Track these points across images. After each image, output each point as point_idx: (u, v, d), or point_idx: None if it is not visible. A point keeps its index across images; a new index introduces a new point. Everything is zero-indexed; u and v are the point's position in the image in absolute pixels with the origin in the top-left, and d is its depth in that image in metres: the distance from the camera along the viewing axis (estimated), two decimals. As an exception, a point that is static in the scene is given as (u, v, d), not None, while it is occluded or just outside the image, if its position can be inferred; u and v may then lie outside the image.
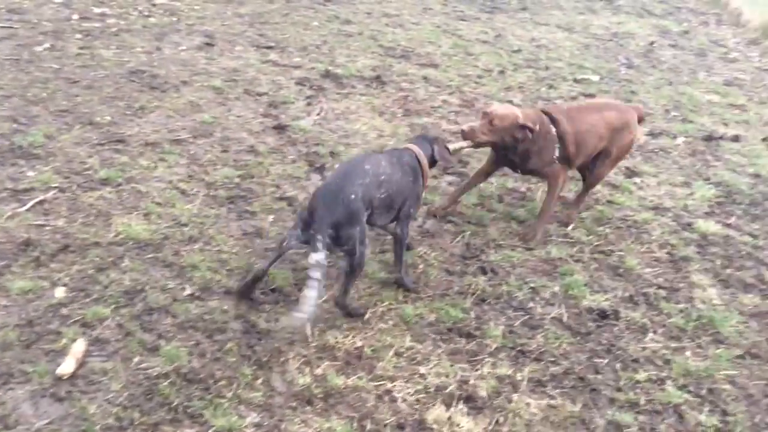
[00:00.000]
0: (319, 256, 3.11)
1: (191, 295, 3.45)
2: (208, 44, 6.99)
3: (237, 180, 4.56)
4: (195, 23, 7.61)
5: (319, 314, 3.26)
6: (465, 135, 4.11)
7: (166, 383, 2.90)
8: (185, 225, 3.98)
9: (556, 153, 4.23)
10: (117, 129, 4.97)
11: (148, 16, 7.59)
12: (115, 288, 3.42)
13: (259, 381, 2.99)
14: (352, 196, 3.27)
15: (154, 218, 4.01)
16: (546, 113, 4.29)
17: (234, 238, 3.96)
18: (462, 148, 4.17)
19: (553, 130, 4.21)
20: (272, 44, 7.33)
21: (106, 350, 3.06)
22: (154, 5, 8.00)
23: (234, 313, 3.36)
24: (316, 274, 3.07)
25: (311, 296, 3.02)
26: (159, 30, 7.19)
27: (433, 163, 3.86)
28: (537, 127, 4.10)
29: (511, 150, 4.19)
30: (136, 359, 3.02)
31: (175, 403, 2.81)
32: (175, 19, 7.66)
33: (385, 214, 3.58)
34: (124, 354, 3.05)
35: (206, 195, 4.34)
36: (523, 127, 4.06)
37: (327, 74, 6.68)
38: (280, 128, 5.39)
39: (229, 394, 2.88)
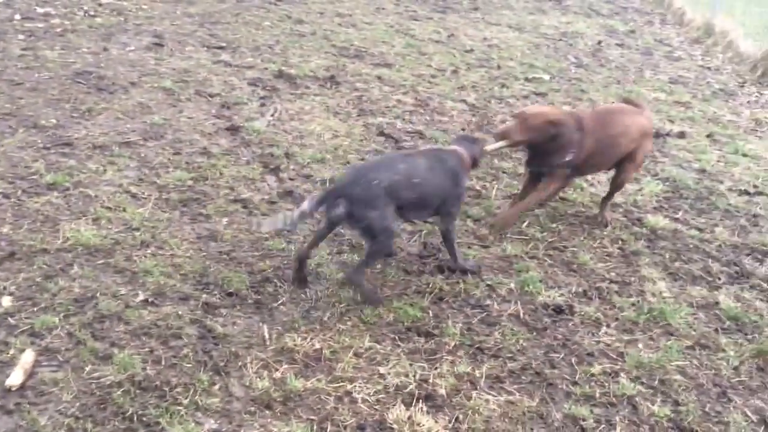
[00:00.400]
0: (305, 205, 3.41)
1: (144, 300, 3.37)
2: (157, 44, 6.86)
3: (190, 182, 4.48)
4: (143, 23, 7.46)
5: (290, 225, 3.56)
6: (500, 135, 4.32)
7: (119, 392, 2.82)
8: (137, 229, 3.89)
9: (568, 158, 4.33)
10: (63, 132, 4.83)
11: (94, 16, 7.41)
12: (64, 296, 3.32)
13: (217, 387, 2.94)
14: (375, 182, 3.43)
15: (104, 223, 3.91)
16: (575, 117, 4.44)
17: (188, 241, 3.89)
18: (500, 148, 4.37)
19: (575, 135, 4.33)
20: (224, 44, 7.24)
21: (57, 360, 2.97)
22: (100, 5, 7.81)
23: (189, 318, 3.29)
24: (294, 213, 3.44)
25: (278, 218, 3.65)
26: (106, 30, 7.03)
27: (474, 164, 4.02)
28: (564, 125, 4.27)
29: (542, 149, 4.34)
30: (87, 368, 2.93)
31: (129, 412, 2.74)
32: (122, 18, 7.49)
33: (419, 212, 3.79)
34: (75, 363, 2.95)
35: (158, 198, 4.25)
36: (553, 123, 4.24)
37: (280, 74, 6.63)
38: (233, 129, 5.32)
39: (186, 401, 2.82)
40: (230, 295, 3.51)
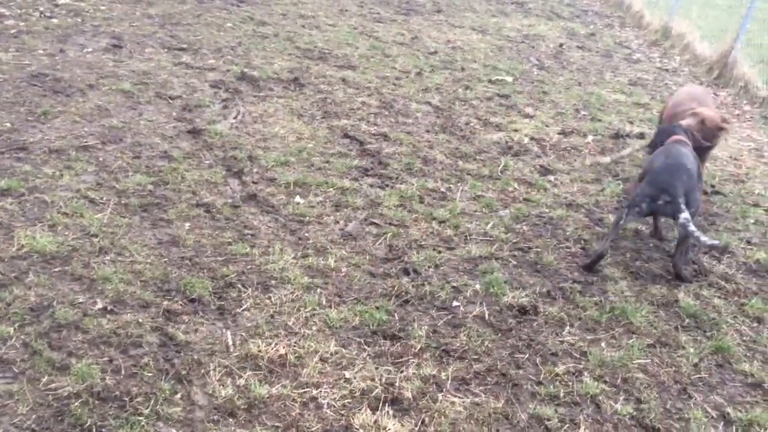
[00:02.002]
0: (685, 215, 3.97)
1: (103, 309, 3.29)
2: (115, 46, 6.72)
3: (150, 187, 4.39)
4: (101, 24, 7.30)
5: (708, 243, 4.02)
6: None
7: (77, 403, 2.75)
8: (95, 236, 3.80)
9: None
10: (18, 136, 4.69)
11: (51, 17, 7.23)
12: (19, 305, 3.21)
13: (179, 395, 2.88)
14: (690, 167, 4.12)
15: (61, 229, 3.81)
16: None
17: (148, 247, 3.81)
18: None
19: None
20: (185, 46, 7.14)
21: (11, 371, 2.87)
22: (56, 6, 7.63)
23: (150, 326, 3.22)
24: (691, 226, 3.94)
25: (702, 238, 3.96)
26: (62, 31, 6.86)
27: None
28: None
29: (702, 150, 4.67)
30: (44, 379, 2.84)
31: (88, 424, 2.67)
32: (79, 20, 7.33)
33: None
34: (30, 375, 2.86)
35: (117, 203, 4.15)
36: (722, 128, 4.67)
37: (243, 77, 6.56)
38: (195, 132, 5.24)
39: (147, 411, 2.76)
40: (192, 301, 3.45)
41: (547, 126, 6.63)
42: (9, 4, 7.37)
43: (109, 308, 3.30)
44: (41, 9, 7.43)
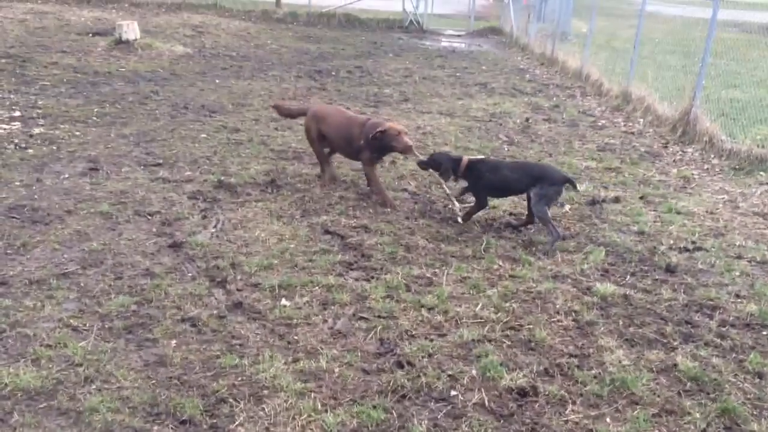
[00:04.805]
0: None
1: (92, 442, 3.18)
2: (92, 169, 6.81)
3: (134, 307, 4.34)
4: (77, 149, 7.42)
5: None
6: None
7: None
8: (79, 365, 3.71)
9: None
10: (-3, 270, 4.66)
11: (26, 148, 7.34)
12: (4, 448, 3.10)
13: None
14: None
15: (45, 363, 3.72)
16: None
17: (135, 370, 3.72)
18: None
19: None
20: (160, 161, 7.24)
21: None
22: (31, 136, 7.76)
23: (141, 455, 3.11)
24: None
25: None
26: (38, 161, 6.95)
27: None
28: None
29: None
30: None
31: None
32: (54, 147, 7.45)
33: None
34: None
35: (101, 328, 4.09)
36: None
37: (220, 184, 6.64)
38: (176, 246, 5.24)
39: None
40: (183, 423, 3.34)
41: (523, 200, 6.71)
42: (-16, 139, 7.49)
43: (97, 441, 3.18)
44: (16, 141, 7.55)
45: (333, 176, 6.96)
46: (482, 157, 6.54)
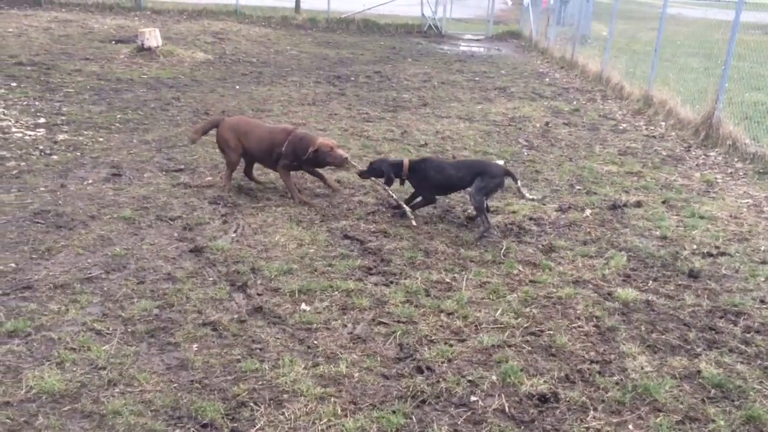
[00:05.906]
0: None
1: (115, 445, 3.21)
2: (115, 175, 6.90)
3: (156, 311, 4.39)
4: (100, 155, 7.52)
5: None
6: None
7: None
8: (103, 368, 3.76)
9: None
10: (23, 275, 4.73)
11: (51, 154, 7.46)
12: (29, 451, 3.14)
13: None
14: None
15: (69, 366, 3.77)
16: None
17: (157, 374, 3.76)
18: None
19: None
20: (182, 167, 7.32)
21: None
22: (55, 143, 7.88)
23: (163, 458, 3.13)
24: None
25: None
26: (62, 167, 7.06)
27: None
28: None
29: None
30: None
31: None
32: (78, 153, 7.55)
33: None
34: None
35: (124, 332, 4.14)
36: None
37: (240, 190, 6.67)
38: (197, 251, 5.28)
39: None
40: (205, 426, 3.36)
41: (543, 204, 6.69)
42: (9, 146, 7.61)
43: (120, 444, 3.22)
44: (41, 147, 7.67)
45: (231, 185, 6.74)
46: (425, 156, 6.85)
